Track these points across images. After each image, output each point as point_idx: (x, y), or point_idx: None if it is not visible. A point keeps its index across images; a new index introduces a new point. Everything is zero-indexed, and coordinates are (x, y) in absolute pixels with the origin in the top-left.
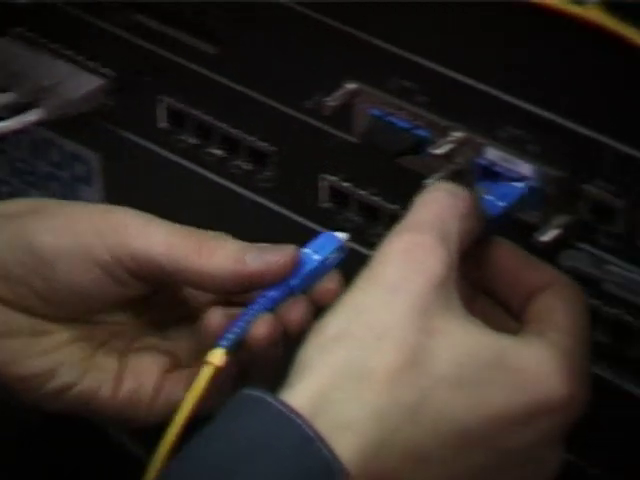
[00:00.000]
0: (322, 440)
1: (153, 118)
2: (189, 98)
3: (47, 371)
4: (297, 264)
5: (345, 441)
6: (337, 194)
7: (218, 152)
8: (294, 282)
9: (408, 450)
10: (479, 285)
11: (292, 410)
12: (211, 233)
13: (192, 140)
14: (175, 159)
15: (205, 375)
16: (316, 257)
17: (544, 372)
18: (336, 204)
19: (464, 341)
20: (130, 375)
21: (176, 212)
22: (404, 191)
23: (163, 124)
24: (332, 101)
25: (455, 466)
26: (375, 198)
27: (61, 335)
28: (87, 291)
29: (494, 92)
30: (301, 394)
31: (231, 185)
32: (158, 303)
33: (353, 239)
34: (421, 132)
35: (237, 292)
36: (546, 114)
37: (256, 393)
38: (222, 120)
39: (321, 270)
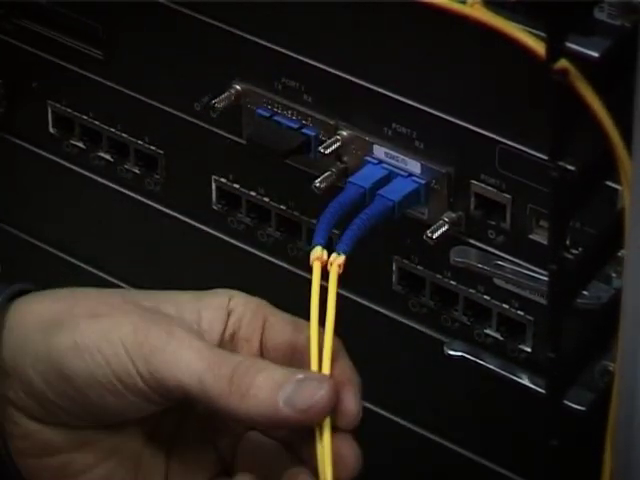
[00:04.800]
0: None
1: (44, 124)
2: (77, 103)
3: None
4: (332, 403)
5: None
6: (227, 195)
7: (107, 156)
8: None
9: None
10: None
11: None
12: (245, 362)
13: (80, 145)
14: (65, 164)
15: (315, 271)
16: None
17: None
18: (226, 205)
19: None
20: None
21: (68, 217)
22: (293, 190)
23: (52, 129)
24: (220, 102)
25: None
26: (265, 198)
27: (98, 446)
28: (121, 411)
29: (378, 90)
30: None
31: (121, 189)
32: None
33: (243, 240)
34: (308, 131)
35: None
36: (431, 111)
37: None
38: (110, 124)
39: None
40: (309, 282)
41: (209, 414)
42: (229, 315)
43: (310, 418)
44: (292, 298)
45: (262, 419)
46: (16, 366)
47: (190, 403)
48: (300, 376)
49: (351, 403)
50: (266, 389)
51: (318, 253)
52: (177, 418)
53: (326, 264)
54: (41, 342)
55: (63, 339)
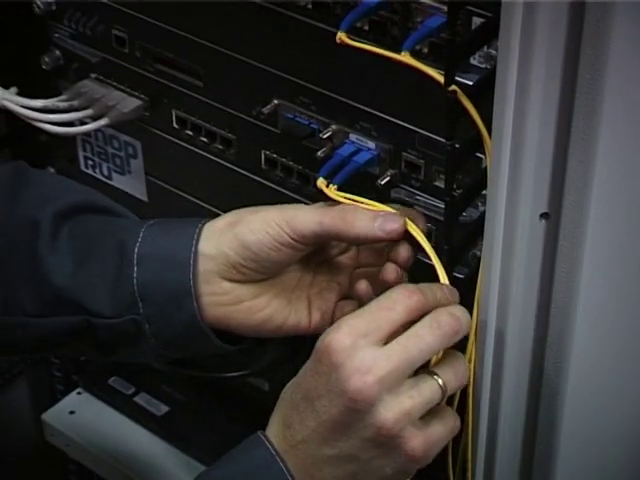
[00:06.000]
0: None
1: (171, 123)
2: (192, 110)
3: (266, 319)
4: (404, 228)
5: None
6: (270, 162)
7: (206, 140)
8: None
9: None
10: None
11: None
12: (345, 207)
13: (190, 133)
14: (184, 145)
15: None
16: None
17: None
18: (270, 167)
19: None
20: (316, 311)
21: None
22: (307, 158)
23: (175, 125)
24: (266, 110)
25: None
26: (291, 162)
27: (268, 294)
28: (279, 259)
29: (354, 104)
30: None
31: (215, 158)
32: (319, 254)
33: (282, 187)
34: (314, 126)
35: (370, 243)
36: (381, 115)
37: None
38: (210, 123)
39: None
40: None
41: (333, 260)
42: None
43: (392, 236)
44: None
45: (365, 238)
46: (219, 251)
47: (322, 241)
48: (382, 213)
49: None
50: (365, 220)
51: (321, 180)
52: (312, 270)
53: (326, 187)
54: (230, 233)
55: (242, 228)
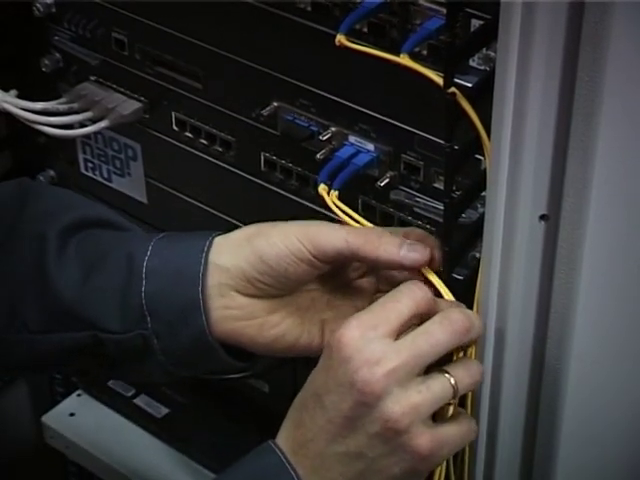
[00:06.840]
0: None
1: (170, 125)
2: (191, 112)
3: (278, 337)
4: (428, 260)
5: None
6: (270, 164)
7: (206, 142)
8: None
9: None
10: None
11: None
12: (371, 229)
13: (190, 135)
14: (184, 147)
15: (324, 196)
16: None
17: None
18: (270, 169)
19: None
20: (330, 333)
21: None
22: (306, 160)
23: (175, 127)
24: (266, 112)
25: None
26: (290, 164)
27: (282, 312)
28: (296, 276)
29: (353, 106)
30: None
31: (214, 160)
32: (337, 275)
33: (279, 188)
34: (314, 127)
35: (389, 269)
36: (380, 117)
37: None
38: (209, 125)
39: None
40: (313, 210)
41: (350, 280)
42: None
43: (412, 266)
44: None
45: (387, 262)
46: (235, 264)
47: (342, 261)
48: (409, 241)
49: (436, 254)
50: (391, 245)
51: (323, 187)
52: (328, 292)
53: (327, 194)
54: (247, 246)
55: (260, 241)
